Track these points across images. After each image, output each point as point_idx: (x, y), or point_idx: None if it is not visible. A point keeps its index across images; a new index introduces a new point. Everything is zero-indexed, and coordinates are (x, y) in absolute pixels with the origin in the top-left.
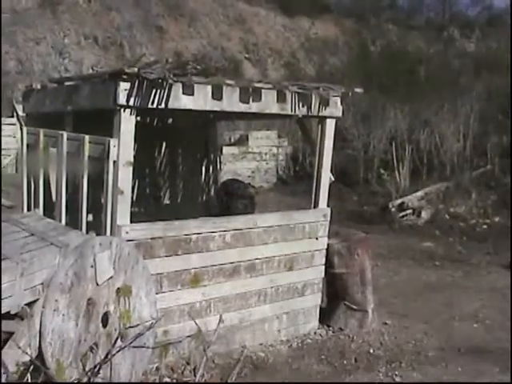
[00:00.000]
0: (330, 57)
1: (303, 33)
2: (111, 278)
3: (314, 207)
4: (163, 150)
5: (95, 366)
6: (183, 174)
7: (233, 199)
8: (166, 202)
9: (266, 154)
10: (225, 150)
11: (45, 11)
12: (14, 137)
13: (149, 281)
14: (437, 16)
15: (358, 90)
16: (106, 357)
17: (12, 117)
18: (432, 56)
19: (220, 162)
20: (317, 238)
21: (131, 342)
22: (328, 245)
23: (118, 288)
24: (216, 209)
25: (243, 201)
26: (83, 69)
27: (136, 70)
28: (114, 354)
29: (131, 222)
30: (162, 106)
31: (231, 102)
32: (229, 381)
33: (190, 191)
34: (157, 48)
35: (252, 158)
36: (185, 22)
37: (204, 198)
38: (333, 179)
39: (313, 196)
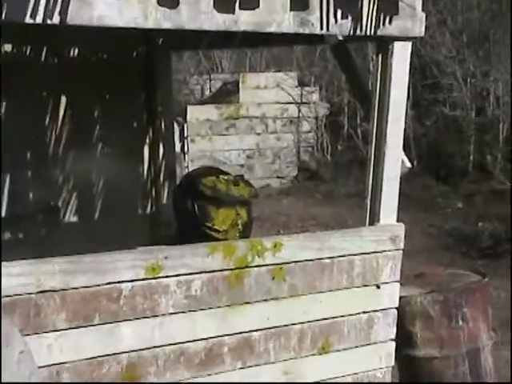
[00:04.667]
0: None
1: None
2: None
3: (372, 223)
4: (61, 114)
5: None
6: (105, 163)
7: (206, 210)
8: (71, 217)
9: (275, 120)
10: (192, 112)
11: None
12: None
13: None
14: None
15: None
16: None
17: None
18: None
19: (183, 138)
20: (378, 286)
21: None
22: (402, 299)
23: None
24: (173, 229)
25: (228, 212)
26: None
27: None
28: None
29: None
30: (55, 20)
31: (197, 10)
32: None
33: (119, 196)
34: None
35: (247, 129)
36: None
37: (150, 207)
38: (408, 166)
39: (368, 202)
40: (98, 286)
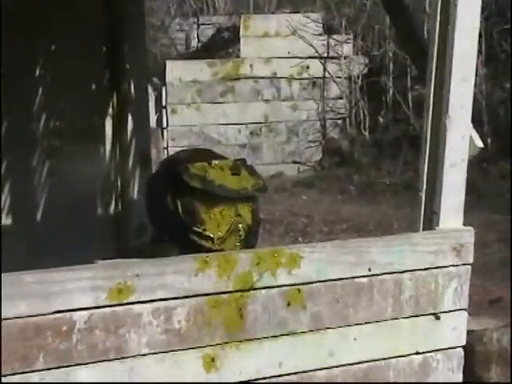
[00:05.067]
0: None
1: None
2: None
3: (428, 227)
4: None
5: None
6: (50, 144)
7: (194, 209)
8: (5, 220)
9: (290, 81)
10: (174, 71)
11: None
12: None
13: None
14: None
15: None
16: None
17: None
18: None
19: (161, 107)
20: (437, 317)
21: None
22: (471, 334)
23: None
24: (147, 235)
25: (225, 212)
26: None
27: None
28: None
29: None
30: None
31: None
32: None
33: (70, 190)
34: None
35: (251, 95)
36: None
37: (114, 205)
38: (480, 146)
39: (423, 197)
40: (43, 315)
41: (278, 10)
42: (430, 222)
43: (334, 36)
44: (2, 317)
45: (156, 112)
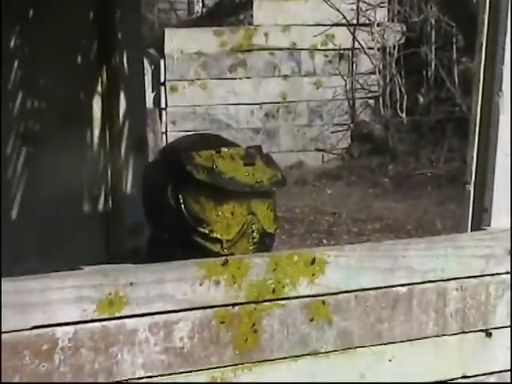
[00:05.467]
0: None
1: None
2: None
3: (477, 227)
4: None
5: None
6: (28, 128)
7: (199, 206)
8: None
9: (312, 53)
10: (174, 41)
11: None
12: None
13: None
14: None
15: None
16: None
17: None
18: None
19: (159, 84)
20: (488, 334)
21: None
22: None
23: None
24: (142, 236)
25: (235, 209)
26: None
27: None
28: None
29: None
30: None
31: None
32: None
33: (52, 183)
34: None
35: (266, 70)
36: None
37: (103, 201)
38: None
39: (471, 191)
40: (19, 331)
41: None
42: (480, 221)
43: None
44: None
45: (153, 90)
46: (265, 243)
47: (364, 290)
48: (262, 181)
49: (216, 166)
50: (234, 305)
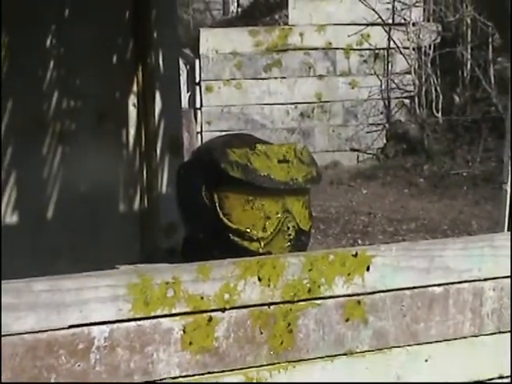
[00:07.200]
0: None
1: None
2: None
3: None
4: None
5: None
6: (63, 128)
7: (234, 205)
8: (10, 218)
9: (348, 53)
10: (209, 41)
11: None
12: None
13: None
14: None
15: None
16: None
17: None
18: None
19: (195, 84)
20: None
21: None
22: None
23: None
24: (177, 236)
25: (271, 208)
26: None
27: None
28: None
29: None
30: None
31: None
32: None
33: (87, 185)
34: None
35: (301, 70)
36: None
37: (139, 201)
38: None
39: (508, 191)
40: (55, 330)
41: None
42: None
43: None
44: (4, 332)
45: (188, 90)
46: (301, 240)
47: (400, 289)
48: (297, 178)
49: (250, 163)
50: (270, 304)
